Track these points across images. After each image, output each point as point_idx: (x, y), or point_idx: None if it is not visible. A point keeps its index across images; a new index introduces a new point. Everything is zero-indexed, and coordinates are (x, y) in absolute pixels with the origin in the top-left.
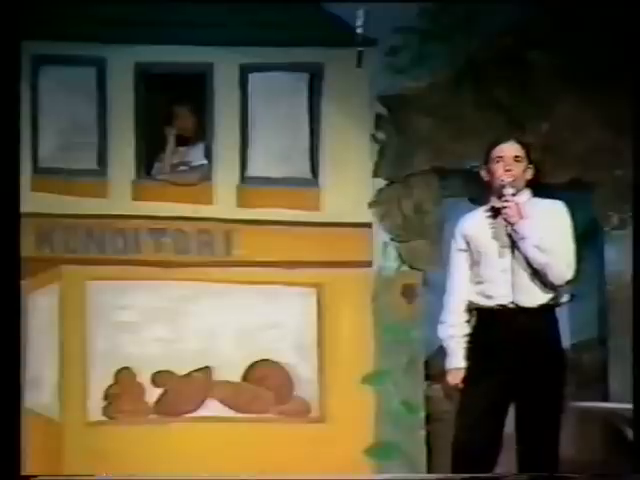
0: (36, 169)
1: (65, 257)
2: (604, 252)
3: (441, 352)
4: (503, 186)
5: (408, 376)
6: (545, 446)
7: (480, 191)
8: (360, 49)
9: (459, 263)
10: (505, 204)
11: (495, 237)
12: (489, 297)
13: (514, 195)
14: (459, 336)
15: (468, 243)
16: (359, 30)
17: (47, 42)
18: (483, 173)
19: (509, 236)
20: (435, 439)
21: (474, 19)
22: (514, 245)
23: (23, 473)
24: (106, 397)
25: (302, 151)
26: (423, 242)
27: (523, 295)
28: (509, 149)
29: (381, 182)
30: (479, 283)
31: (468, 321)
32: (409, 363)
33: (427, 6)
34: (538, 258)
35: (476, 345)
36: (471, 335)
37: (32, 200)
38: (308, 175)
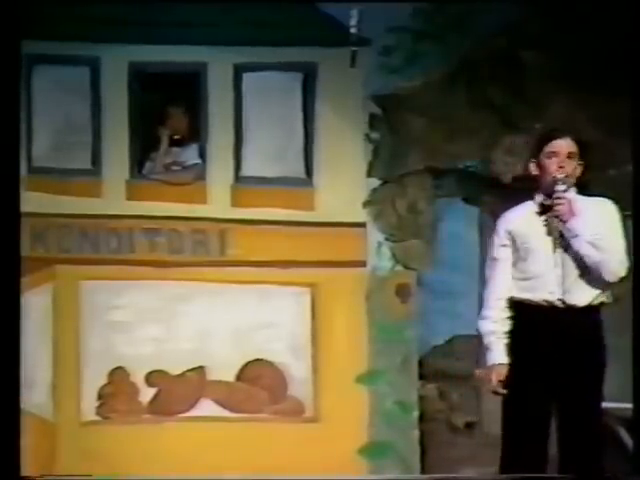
0: (30, 169)
1: (59, 257)
2: None
3: (435, 352)
4: (555, 182)
5: (402, 376)
6: (588, 447)
7: (473, 190)
8: (354, 49)
9: (501, 259)
10: (557, 201)
11: (547, 233)
12: (536, 293)
13: (565, 192)
14: (501, 332)
15: (513, 239)
16: (353, 30)
17: (41, 42)
18: (532, 167)
19: (560, 233)
20: (429, 439)
21: (468, 19)
22: (565, 242)
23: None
24: (100, 397)
25: (296, 151)
26: (417, 242)
27: (572, 293)
28: (564, 145)
29: (375, 182)
30: (525, 279)
31: (509, 317)
32: (403, 363)
33: (421, 6)
34: (592, 255)
35: (518, 343)
36: (512, 332)
37: (26, 200)
38: (302, 175)
